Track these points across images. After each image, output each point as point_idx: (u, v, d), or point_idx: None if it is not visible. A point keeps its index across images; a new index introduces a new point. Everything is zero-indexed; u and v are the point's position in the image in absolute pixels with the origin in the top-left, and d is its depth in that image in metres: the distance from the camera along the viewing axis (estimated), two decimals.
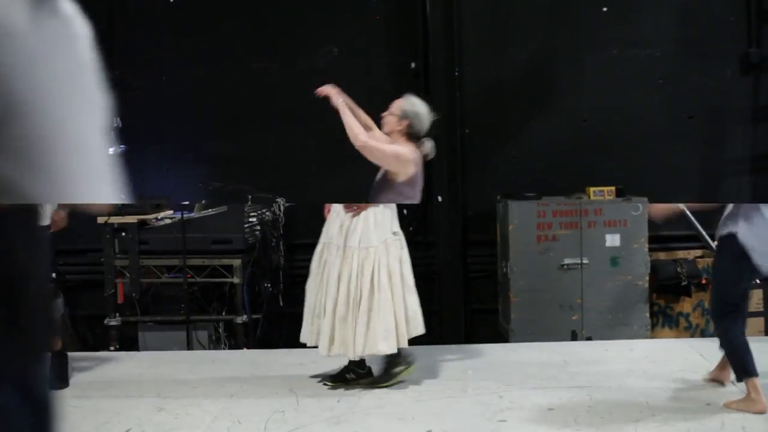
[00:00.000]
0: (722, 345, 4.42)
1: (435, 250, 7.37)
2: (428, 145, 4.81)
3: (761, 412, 4.15)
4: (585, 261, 6.42)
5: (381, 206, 4.76)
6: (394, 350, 4.64)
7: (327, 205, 5.15)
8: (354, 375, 4.79)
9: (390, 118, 4.74)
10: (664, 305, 6.69)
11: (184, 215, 6.48)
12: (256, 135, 7.41)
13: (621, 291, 6.43)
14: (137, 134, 7.37)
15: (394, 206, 4.89)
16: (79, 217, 7.24)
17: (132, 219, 6.48)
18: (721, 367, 4.70)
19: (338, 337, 4.60)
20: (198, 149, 7.35)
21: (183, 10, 7.32)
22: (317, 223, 7.46)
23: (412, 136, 4.72)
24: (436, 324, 7.42)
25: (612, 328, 6.42)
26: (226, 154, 7.41)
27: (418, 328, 4.75)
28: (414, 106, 4.71)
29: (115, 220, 6.49)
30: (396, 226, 4.86)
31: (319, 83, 7.39)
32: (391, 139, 4.79)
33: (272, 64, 7.36)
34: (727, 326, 4.35)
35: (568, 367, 5.16)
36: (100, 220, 6.53)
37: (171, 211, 6.81)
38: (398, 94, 7.53)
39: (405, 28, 7.35)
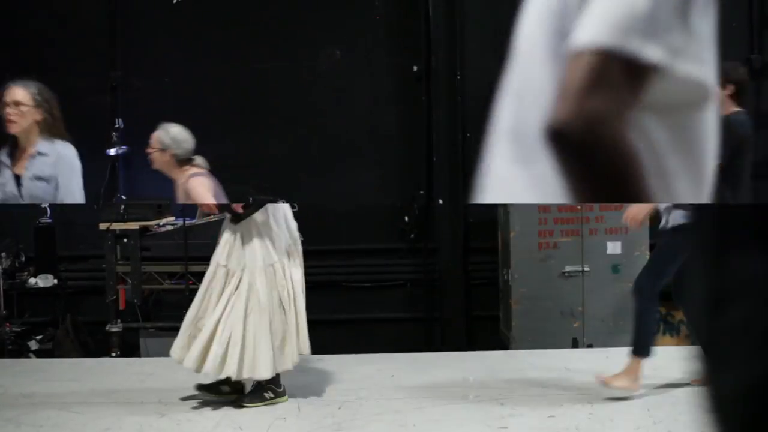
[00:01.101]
0: (642, 322, 4.47)
1: (436, 256, 7.39)
2: (199, 161, 4.71)
3: (635, 391, 4.46)
4: (586, 268, 6.42)
5: (273, 224, 4.55)
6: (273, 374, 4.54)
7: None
8: (272, 393, 4.62)
9: (154, 155, 4.66)
10: (665, 313, 6.69)
11: (186, 221, 6.49)
12: (258, 136, 7.44)
13: (622, 298, 6.42)
14: (139, 135, 7.39)
15: (289, 218, 4.66)
16: (80, 222, 7.29)
17: (134, 225, 6.49)
18: None
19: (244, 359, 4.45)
20: (199, 150, 7.34)
21: (185, 11, 7.35)
22: (319, 228, 7.51)
23: (182, 161, 4.64)
24: (437, 331, 7.43)
25: (613, 335, 6.42)
26: (227, 156, 7.41)
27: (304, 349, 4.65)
28: (169, 133, 4.63)
29: (117, 226, 6.50)
30: (294, 239, 4.65)
31: (322, 85, 7.44)
32: (180, 179, 4.63)
33: (274, 66, 7.38)
34: (653, 306, 4.48)
35: (569, 374, 5.15)
36: (102, 226, 6.54)
37: (173, 218, 6.82)
38: (400, 97, 7.59)
39: (407, 31, 7.38)
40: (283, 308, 4.53)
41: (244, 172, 7.33)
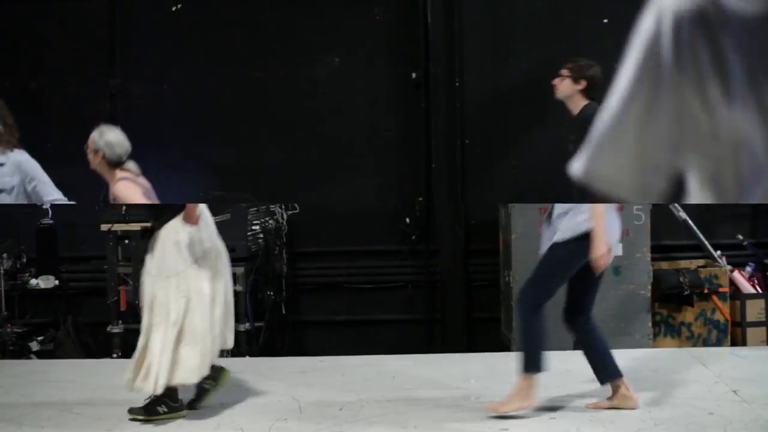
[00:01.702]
0: (527, 337, 4.34)
1: (437, 258, 7.39)
2: (131, 165, 4.62)
3: (531, 406, 4.28)
4: None
5: (187, 225, 4.40)
6: (201, 378, 4.44)
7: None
8: (166, 408, 4.44)
9: (89, 156, 4.59)
10: (666, 315, 6.69)
11: None
12: (257, 143, 7.44)
13: (623, 300, 6.43)
14: (138, 142, 7.38)
15: (207, 219, 4.55)
16: (82, 224, 7.29)
17: (135, 226, 6.50)
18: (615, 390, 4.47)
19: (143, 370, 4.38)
20: (199, 157, 7.38)
21: (184, 19, 7.36)
22: (319, 231, 7.52)
23: (114, 164, 4.57)
24: (438, 333, 7.44)
25: (614, 337, 6.39)
26: (227, 163, 7.44)
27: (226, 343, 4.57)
28: (102, 136, 4.55)
29: (119, 227, 6.51)
30: (212, 240, 4.52)
31: (321, 92, 7.45)
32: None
33: (273, 73, 7.39)
34: (539, 318, 4.36)
35: (570, 376, 5.16)
36: (104, 227, 6.55)
37: None
38: (399, 104, 7.60)
39: (406, 38, 7.38)
40: (186, 318, 4.38)
41: (244, 178, 7.35)
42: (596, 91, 4.68)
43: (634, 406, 4.37)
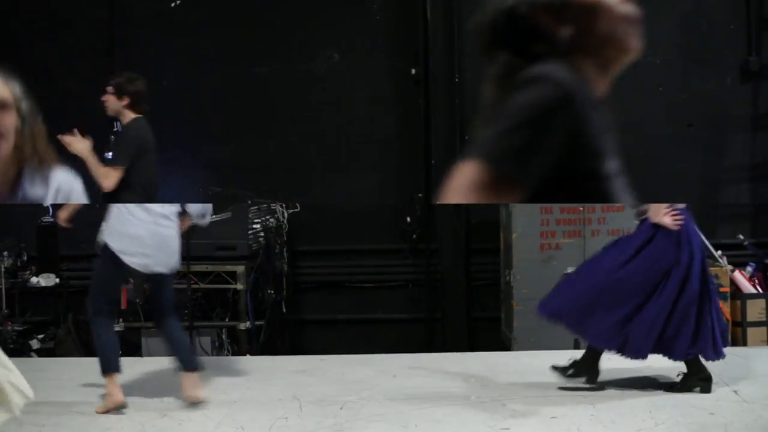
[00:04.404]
0: (97, 340, 4.57)
1: (438, 257, 7.39)
2: None
3: (120, 405, 4.47)
4: None
5: None
6: None
7: None
8: None
9: None
10: None
11: None
12: (256, 139, 7.44)
13: None
14: None
15: None
16: (82, 222, 7.28)
17: None
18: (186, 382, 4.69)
19: None
20: (198, 154, 7.37)
21: (183, 14, 7.35)
22: (320, 229, 7.52)
23: None
24: (438, 332, 7.44)
25: None
26: (226, 159, 7.43)
27: None
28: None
29: None
30: None
31: (320, 88, 7.45)
32: None
33: (273, 69, 7.38)
34: (106, 321, 4.58)
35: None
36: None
37: None
38: (398, 101, 7.59)
39: (405, 34, 7.38)
40: None
41: (243, 176, 7.34)
42: (141, 105, 4.81)
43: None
